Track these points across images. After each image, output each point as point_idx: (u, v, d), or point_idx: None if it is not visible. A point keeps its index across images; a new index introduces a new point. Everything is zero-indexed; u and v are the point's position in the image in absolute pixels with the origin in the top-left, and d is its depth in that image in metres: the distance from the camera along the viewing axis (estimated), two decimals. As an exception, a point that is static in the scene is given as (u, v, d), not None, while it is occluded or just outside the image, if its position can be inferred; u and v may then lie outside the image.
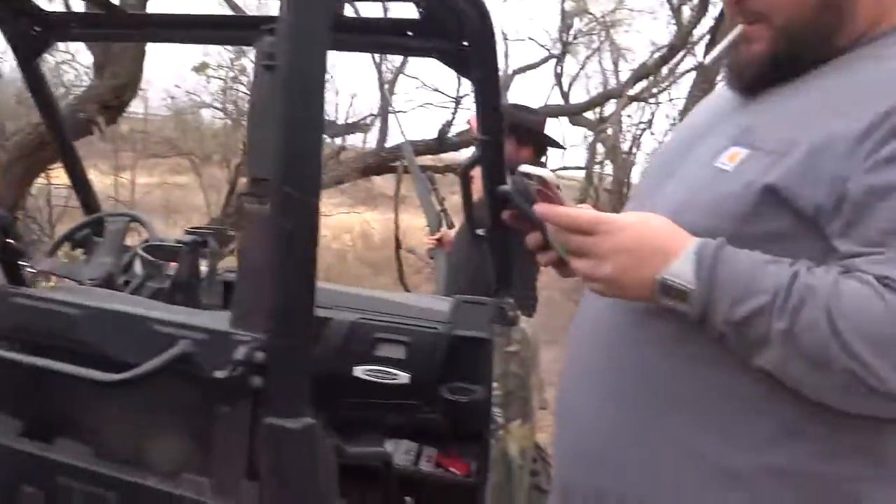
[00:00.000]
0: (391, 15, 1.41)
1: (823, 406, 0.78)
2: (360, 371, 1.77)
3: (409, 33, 1.45)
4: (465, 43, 1.39)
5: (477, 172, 1.63)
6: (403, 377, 1.75)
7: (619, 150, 7.58)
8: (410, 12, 1.38)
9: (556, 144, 3.29)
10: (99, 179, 6.99)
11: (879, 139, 0.77)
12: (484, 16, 1.31)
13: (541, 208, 0.89)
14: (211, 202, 7.82)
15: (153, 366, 0.95)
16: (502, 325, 1.71)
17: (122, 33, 1.98)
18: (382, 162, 7.62)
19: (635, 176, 7.77)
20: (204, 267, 1.85)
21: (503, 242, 1.65)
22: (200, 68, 8.67)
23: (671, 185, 0.95)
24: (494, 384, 1.70)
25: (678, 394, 0.86)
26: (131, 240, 2.03)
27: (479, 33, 1.34)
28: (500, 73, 8.90)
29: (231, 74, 7.93)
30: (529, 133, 3.02)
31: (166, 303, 1.67)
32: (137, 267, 1.84)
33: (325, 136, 0.96)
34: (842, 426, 0.80)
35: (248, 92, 8.09)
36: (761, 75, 0.92)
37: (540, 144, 3.13)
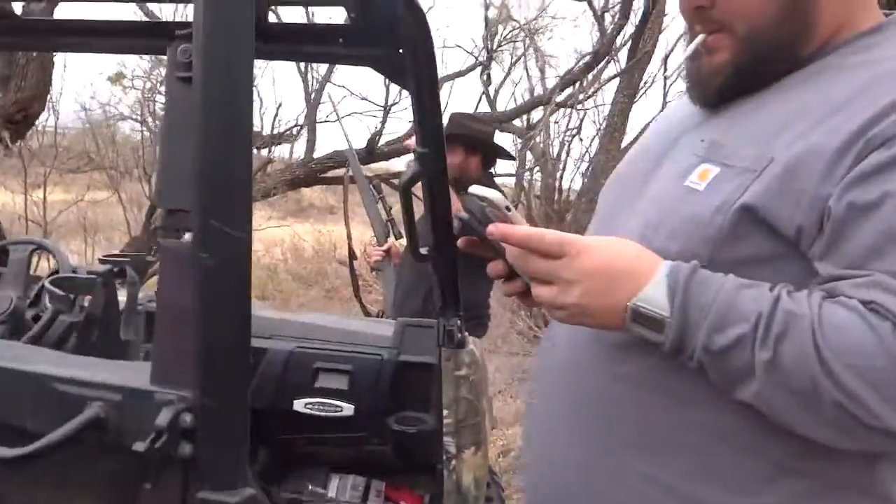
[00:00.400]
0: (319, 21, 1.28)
1: (814, 441, 0.73)
2: (300, 404, 1.65)
3: (340, 40, 1.34)
4: (401, 50, 1.29)
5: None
6: (347, 409, 1.64)
7: (549, 156, 7.60)
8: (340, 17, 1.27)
9: (508, 155, 3.23)
10: (9, 199, 6.58)
11: (857, 154, 0.72)
12: (421, 20, 1.21)
13: (501, 230, 0.81)
14: (132, 219, 7.47)
15: (59, 436, 0.80)
16: (450, 349, 1.61)
17: (24, 42, 1.79)
18: (311, 173, 7.43)
19: (566, 182, 7.83)
20: (123, 297, 1.70)
21: (449, 260, 1.56)
22: (115, 79, 8.31)
23: (638, 206, 0.89)
24: (445, 411, 1.60)
25: (659, 435, 0.80)
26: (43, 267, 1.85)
27: (415, 39, 1.24)
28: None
29: (149, 85, 7.63)
30: (479, 143, 2.95)
31: (81, 340, 1.51)
32: (47, 299, 1.67)
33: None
34: (834, 461, 0.75)
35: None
36: (723, 87, 0.88)
37: (489, 154, 3.06)
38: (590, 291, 0.76)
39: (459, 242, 0.96)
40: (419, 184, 1.49)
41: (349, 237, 2.89)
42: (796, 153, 0.75)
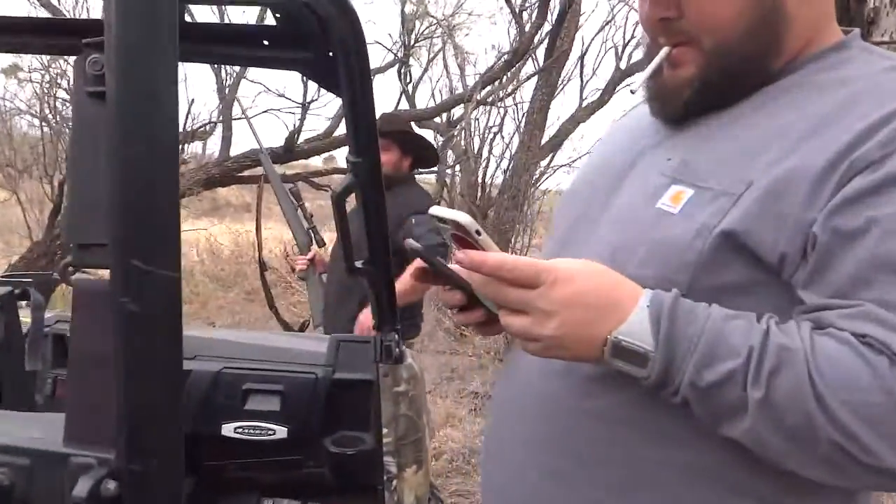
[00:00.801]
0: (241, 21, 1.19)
1: (802, 478, 0.70)
2: (229, 429, 1.55)
3: (265, 42, 1.25)
4: (331, 53, 1.21)
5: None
6: (280, 431, 1.54)
7: (471, 153, 7.60)
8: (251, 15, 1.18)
9: (436, 161, 3.22)
10: None
11: (840, 178, 0.70)
12: (353, 21, 1.13)
13: (472, 258, 0.74)
14: (32, 221, 7.02)
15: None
16: (388, 364, 1.54)
17: None
18: (228, 172, 7.17)
19: (488, 178, 7.84)
20: (26, 318, 1.55)
21: (385, 274, 1.49)
22: (10, 71, 7.78)
23: (602, 227, 0.85)
24: (384, 430, 1.54)
25: (635, 473, 0.76)
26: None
27: (347, 41, 1.17)
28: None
29: (47, 78, 7.17)
30: (416, 145, 2.97)
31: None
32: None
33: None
34: (818, 495, 0.74)
35: (67, 99, 7.37)
36: (689, 101, 0.84)
37: (422, 157, 3.05)
38: (567, 323, 0.72)
39: (412, 275, 0.88)
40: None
41: (259, 248, 2.77)
42: (777, 176, 0.72)
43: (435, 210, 0.80)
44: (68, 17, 6.16)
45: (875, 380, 0.63)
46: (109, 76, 0.57)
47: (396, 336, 1.56)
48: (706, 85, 0.82)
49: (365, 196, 1.37)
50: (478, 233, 0.76)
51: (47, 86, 7.33)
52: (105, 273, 0.63)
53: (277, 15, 1.20)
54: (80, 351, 0.66)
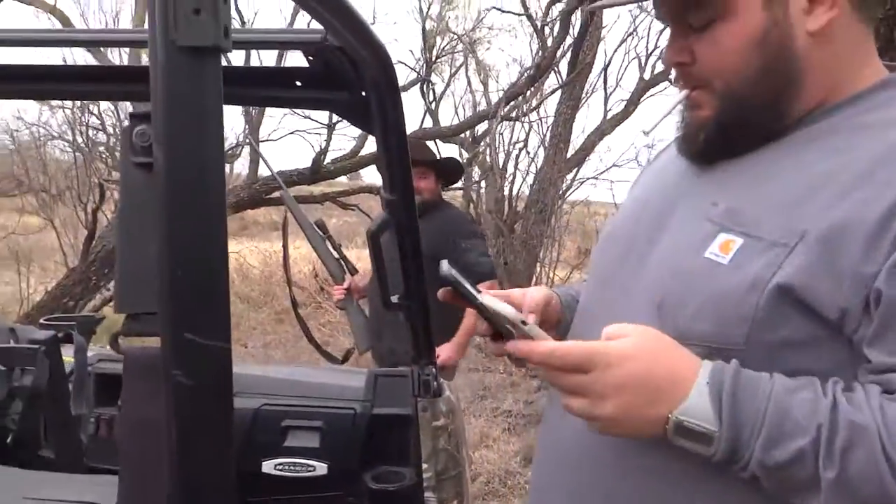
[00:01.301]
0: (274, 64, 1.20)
1: None
2: (269, 466, 1.55)
3: (298, 84, 1.25)
4: (364, 93, 1.22)
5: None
6: (320, 468, 1.54)
7: (496, 169, 7.59)
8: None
9: (461, 174, 3.32)
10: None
11: None
12: (386, 62, 1.13)
13: (519, 348, 0.77)
14: (67, 246, 7.14)
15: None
16: (426, 398, 1.53)
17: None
18: (255, 195, 7.24)
19: (514, 193, 7.82)
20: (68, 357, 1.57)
21: (421, 308, 1.48)
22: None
23: (648, 273, 0.83)
24: (424, 465, 1.53)
25: None
26: None
27: (380, 82, 1.17)
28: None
29: (79, 104, 7.31)
30: (444, 166, 3.11)
31: (26, 417, 1.38)
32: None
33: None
34: None
35: (98, 124, 7.51)
36: (707, 142, 0.85)
37: (450, 176, 3.20)
38: (624, 405, 0.72)
39: (441, 296, 0.91)
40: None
41: (290, 283, 2.79)
42: (829, 226, 0.70)
43: (485, 300, 0.81)
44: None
45: None
46: (157, 149, 0.57)
47: (434, 370, 1.56)
48: (722, 127, 0.83)
49: (400, 232, 1.37)
50: (524, 323, 0.77)
51: (78, 111, 7.48)
52: (151, 340, 0.64)
53: (310, 57, 1.20)
54: (132, 420, 0.67)
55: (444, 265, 0.88)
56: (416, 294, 1.46)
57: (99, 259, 6.30)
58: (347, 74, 1.19)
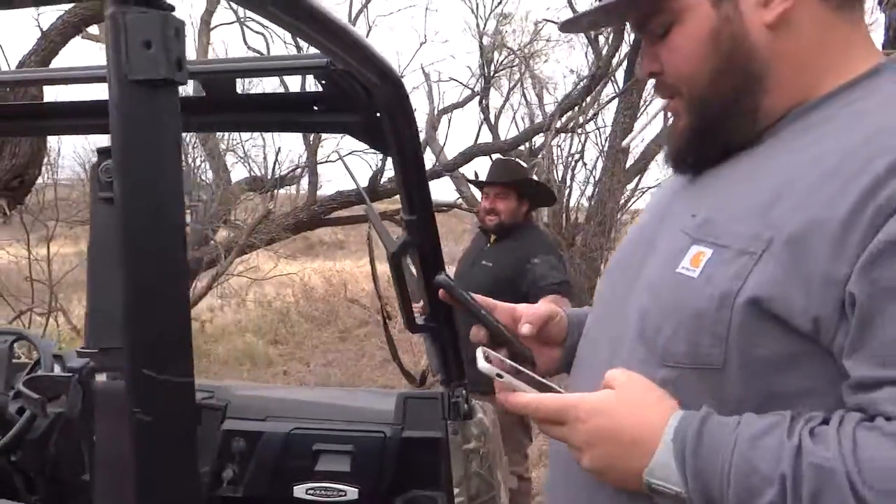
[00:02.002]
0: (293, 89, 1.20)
1: None
2: (301, 490, 1.55)
3: (315, 108, 1.26)
4: (378, 115, 1.21)
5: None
6: (351, 492, 1.53)
7: (553, 182, 7.51)
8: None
9: (553, 200, 3.18)
10: (14, 258, 6.52)
11: (870, 224, 0.62)
12: (396, 84, 1.12)
13: (500, 400, 0.80)
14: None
15: None
16: (457, 421, 1.50)
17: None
18: (315, 216, 7.37)
19: (572, 205, 7.72)
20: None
21: (448, 329, 1.46)
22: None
23: (634, 296, 0.80)
24: (456, 489, 1.49)
25: None
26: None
27: (392, 104, 1.16)
28: (427, 114, 8.65)
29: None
30: (528, 186, 2.96)
31: (62, 443, 1.41)
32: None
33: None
34: None
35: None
36: (683, 150, 0.82)
37: (538, 198, 3.05)
38: (598, 458, 0.72)
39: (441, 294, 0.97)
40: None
41: (381, 299, 2.73)
42: (794, 229, 0.65)
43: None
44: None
45: None
46: (115, 183, 0.56)
47: (464, 392, 1.53)
48: (696, 133, 0.80)
49: (421, 253, 1.35)
50: (499, 376, 0.78)
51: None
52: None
53: (323, 81, 1.21)
54: (105, 456, 0.67)
55: (439, 278, 0.93)
56: (442, 315, 1.44)
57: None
58: (359, 97, 1.19)
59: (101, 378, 0.66)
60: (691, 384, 0.70)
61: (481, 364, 0.80)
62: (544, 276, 2.71)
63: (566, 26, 0.88)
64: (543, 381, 0.82)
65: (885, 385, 0.60)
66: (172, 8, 0.55)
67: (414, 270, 1.39)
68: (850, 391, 0.63)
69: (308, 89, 5.72)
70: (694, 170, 0.82)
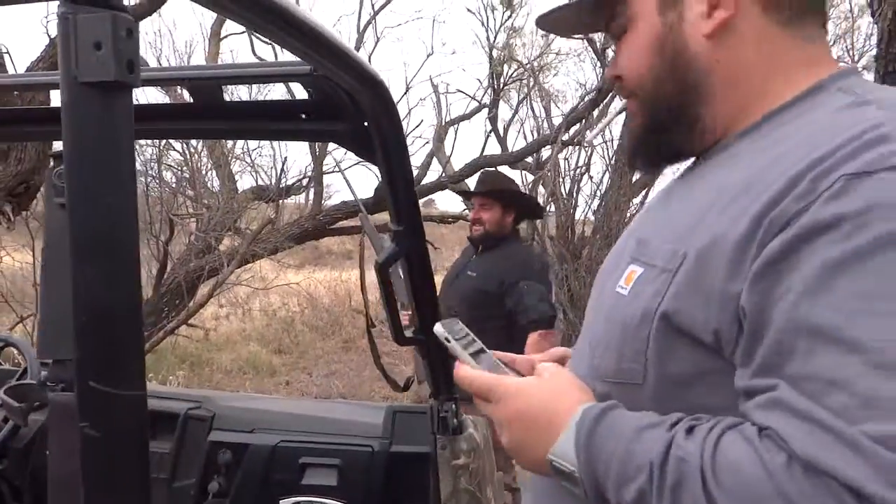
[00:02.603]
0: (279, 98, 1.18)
1: None
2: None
3: (303, 116, 1.24)
4: (366, 123, 1.19)
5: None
6: (338, 507, 1.50)
7: (560, 194, 7.49)
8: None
9: (540, 212, 3.21)
10: (21, 263, 6.54)
11: (761, 242, 0.62)
12: (380, 92, 1.10)
13: (453, 371, 0.84)
14: (142, 279, 7.40)
15: None
16: (446, 436, 1.48)
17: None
18: (320, 225, 7.37)
19: (578, 218, 7.69)
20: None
21: (437, 342, 1.43)
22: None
23: (590, 313, 0.83)
24: (443, 506, 1.46)
25: None
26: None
27: (377, 111, 1.14)
28: (434, 127, 8.64)
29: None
30: (517, 200, 2.97)
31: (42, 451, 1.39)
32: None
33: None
34: None
35: (171, 165, 7.80)
36: (638, 150, 0.84)
37: (524, 210, 3.06)
38: (514, 438, 0.75)
39: None
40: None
41: (366, 305, 2.73)
42: (702, 245, 0.66)
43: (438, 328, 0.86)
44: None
45: (769, 482, 0.56)
46: (67, 189, 0.55)
47: (454, 406, 1.50)
48: (645, 133, 0.82)
49: (409, 263, 1.33)
50: (447, 340, 0.83)
51: (163, 147, 7.79)
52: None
53: (310, 89, 1.19)
54: (57, 471, 0.64)
55: (438, 327, 0.88)
56: (430, 327, 1.41)
57: (170, 291, 6.52)
58: (345, 105, 1.17)
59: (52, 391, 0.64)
60: (620, 400, 0.71)
61: (437, 327, 0.84)
62: (535, 309, 2.70)
63: (540, 22, 0.89)
64: (505, 368, 0.84)
65: (756, 394, 0.61)
66: (125, 8, 0.53)
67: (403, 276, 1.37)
68: (741, 401, 0.64)
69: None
70: (644, 170, 0.86)
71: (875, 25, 1.37)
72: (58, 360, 0.63)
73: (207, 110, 1.22)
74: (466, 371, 0.80)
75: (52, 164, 0.64)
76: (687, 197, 0.75)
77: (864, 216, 0.57)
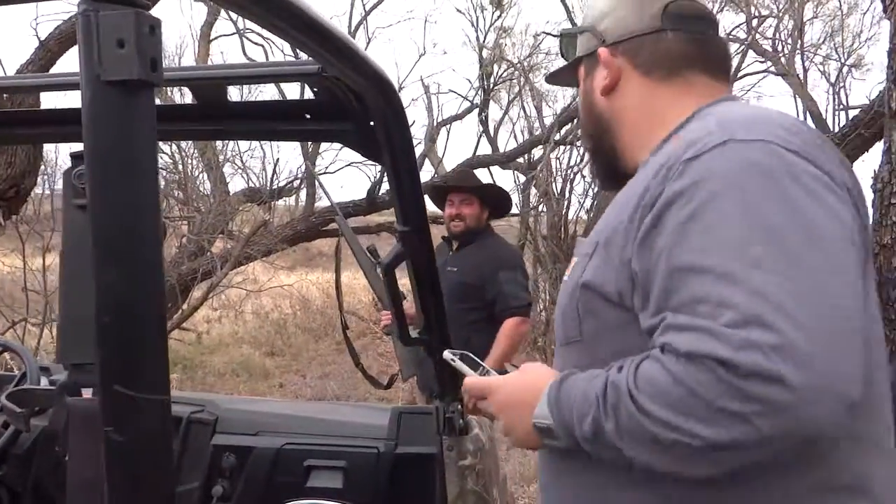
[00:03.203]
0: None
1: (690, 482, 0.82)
2: (291, 507, 1.51)
3: (307, 116, 1.23)
4: (372, 123, 1.18)
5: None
6: (343, 510, 1.49)
7: (552, 194, 7.49)
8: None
9: (509, 205, 3.30)
10: (11, 267, 6.48)
11: (640, 216, 0.85)
12: (388, 92, 1.10)
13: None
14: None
15: None
16: (452, 437, 1.47)
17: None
18: (312, 227, 7.35)
19: (571, 217, 7.70)
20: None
21: (442, 342, 1.43)
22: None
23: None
24: (450, 507, 1.46)
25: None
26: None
27: (384, 111, 1.13)
28: (426, 127, 8.64)
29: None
30: (493, 198, 3.11)
31: (45, 457, 1.38)
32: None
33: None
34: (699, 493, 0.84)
35: (167, 165, 7.76)
36: (591, 168, 1.15)
37: (498, 205, 3.17)
38: (508, 422, 0.96)
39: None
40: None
41: (341, 308, 2.76)
42: (608, 234, 0.91)
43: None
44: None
45: (668, 376, 0.76)
46: (88, 189, 0.54)
47: (460, 407, 1.49)
48: (591, 157, 1.16)
49: (415, 264, 1.32)
50: (452, 360, 1.11)
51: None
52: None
53: (315, 89, 1.18)
54: (77, 476, 0.63)
55: (447, 353, 1.13)
56: (437, 327, 1.41)
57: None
58: (352, 105, 1.16)
59: (73, 396, 0.63)
60: (569, 356, 0.94)
61: (445, 353, 1.09)
62: (515, 297, 2.87)
63: (550, 79, 1.23)
64: (496, 374, 1.08)
65: (655, 329, 0.80)
66: (147, 5, 0.52)
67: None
68: (649, 338, 0.82)
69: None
70: (604, 187, 1.20)
71: (888, 21, 1.38)
72: (76, 364, 0.62)
73: (212, 111, 1.21)
74: (468, 380, 1.05)
75: (71, 163, 0.63)
76: (612, 203, 0.98)
77: (694, 187, 0.81)
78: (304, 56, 0.96)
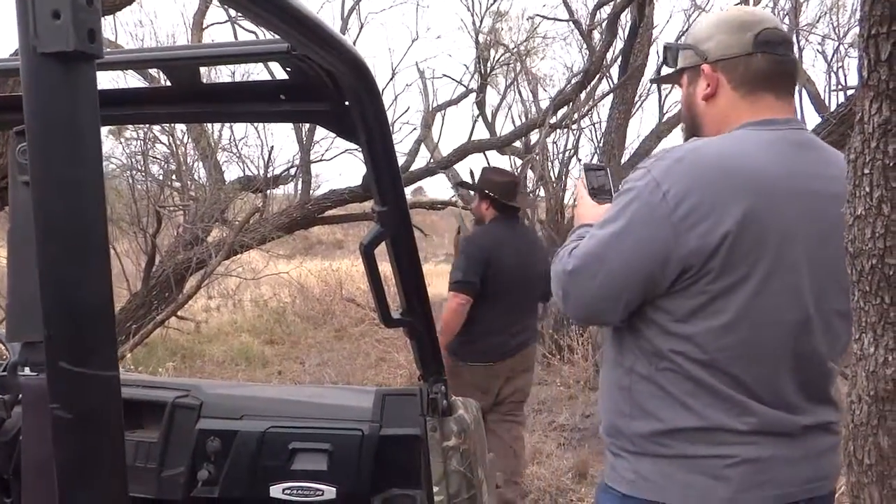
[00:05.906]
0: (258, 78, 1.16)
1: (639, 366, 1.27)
2: (277, 490, 1.51)
3: (282, 97, 1.22)
4: (347, 103, 1.17)
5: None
6: (329, 492, 1.50)
7: (549, 178, 7.47)
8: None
9: (514, 194, 3.38)
10: (3, 253, 6.46)
11: None
12: (361, 71, 1.09)
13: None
14: (130, 272, 7.33)
15: None
16: (436, 418, 1.47)
17: None
18: (309, 214, 7.34)
19: (568, 201, 7.68)
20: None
21: (425, 323, 1.42)
22: (116, 132, 8.22)
23: None
24: (435, 488, 1.46)
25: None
26: None
27: (359, 91, 1.12)
28: (421, 113, 8.55)
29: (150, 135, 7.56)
30: (486, 187, 3.36)
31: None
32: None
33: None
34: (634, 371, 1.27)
35: (156, 157, 7.73)
36: None
37: (500, 194, 3.37)
38: (578, 213, 1.46)
39: None
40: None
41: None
42: None
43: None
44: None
45: (555, 264, 1.27)
46: (30, 165, 0.53)
47: (443, 387, 1.49)
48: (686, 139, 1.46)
49: (394, 244, 1.32)
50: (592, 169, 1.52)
51: (150, 142, 7.71)
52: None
53: (288, 69, 1.17)
54: (30, 456, 0.63)
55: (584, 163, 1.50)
56: (419, 309, 1.40)
57: (159, 283, 6.47)
58: (325, 85, 1.15)
59: (23, 373, 0.62)
60: None
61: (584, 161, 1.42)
62: (452, 275, 3.27)
63: (655, 80, 1.88)
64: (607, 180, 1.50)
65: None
66: (83, -25, 0.51)
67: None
68: None
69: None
70: None
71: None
72: (28, 342, 0.62)
73: (186, 93, 1.20)
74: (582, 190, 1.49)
75: (15, 139, 0.63)
76: None
77: (624, 185, 1.24)
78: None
